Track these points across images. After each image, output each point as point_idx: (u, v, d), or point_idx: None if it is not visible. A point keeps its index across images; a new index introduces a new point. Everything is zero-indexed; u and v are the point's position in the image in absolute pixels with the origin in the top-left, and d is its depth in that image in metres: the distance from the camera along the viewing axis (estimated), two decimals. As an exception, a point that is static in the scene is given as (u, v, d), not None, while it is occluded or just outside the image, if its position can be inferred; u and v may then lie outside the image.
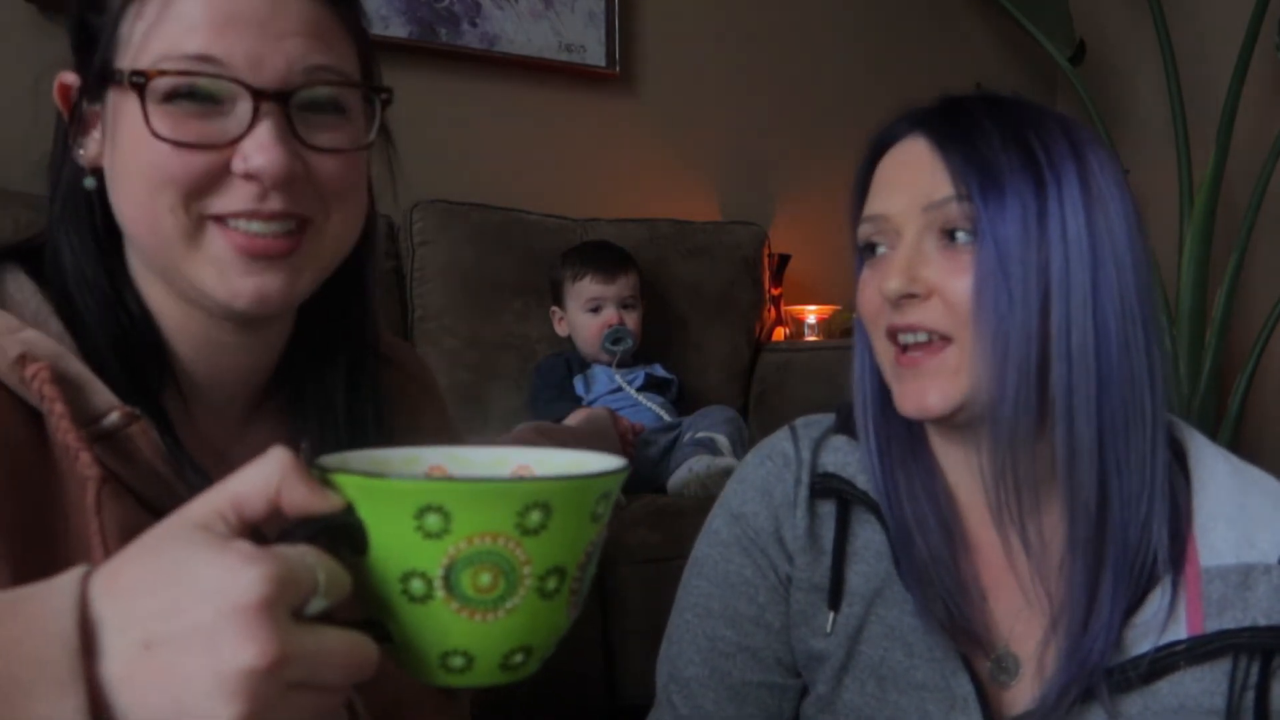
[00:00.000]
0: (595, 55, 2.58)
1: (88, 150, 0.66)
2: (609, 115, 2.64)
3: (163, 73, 0.60)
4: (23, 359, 0.57)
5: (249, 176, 0.61)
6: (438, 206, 2.19)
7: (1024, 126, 0.76)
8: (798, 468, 0.85)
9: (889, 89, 2.77)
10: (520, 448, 0.52)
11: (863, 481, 0.83)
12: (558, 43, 2.53)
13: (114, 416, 0.59)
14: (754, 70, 2.83)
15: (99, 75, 0.63)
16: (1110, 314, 0.73)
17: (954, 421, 0.77)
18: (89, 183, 0.66)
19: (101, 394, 0.59)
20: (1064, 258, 0.73)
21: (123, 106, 0.62)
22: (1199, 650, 0.74)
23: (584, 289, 2.09)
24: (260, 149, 0.60)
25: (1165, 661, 0.74)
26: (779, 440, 0.88)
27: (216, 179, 0.61)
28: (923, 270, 0.75)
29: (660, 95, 2.70)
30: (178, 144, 0.60)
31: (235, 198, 0.62)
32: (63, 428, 0.56)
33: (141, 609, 0.38)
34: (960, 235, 0.75)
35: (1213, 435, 2.48)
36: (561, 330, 2.16)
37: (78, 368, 0.59)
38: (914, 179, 0.78)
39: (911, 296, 0.75)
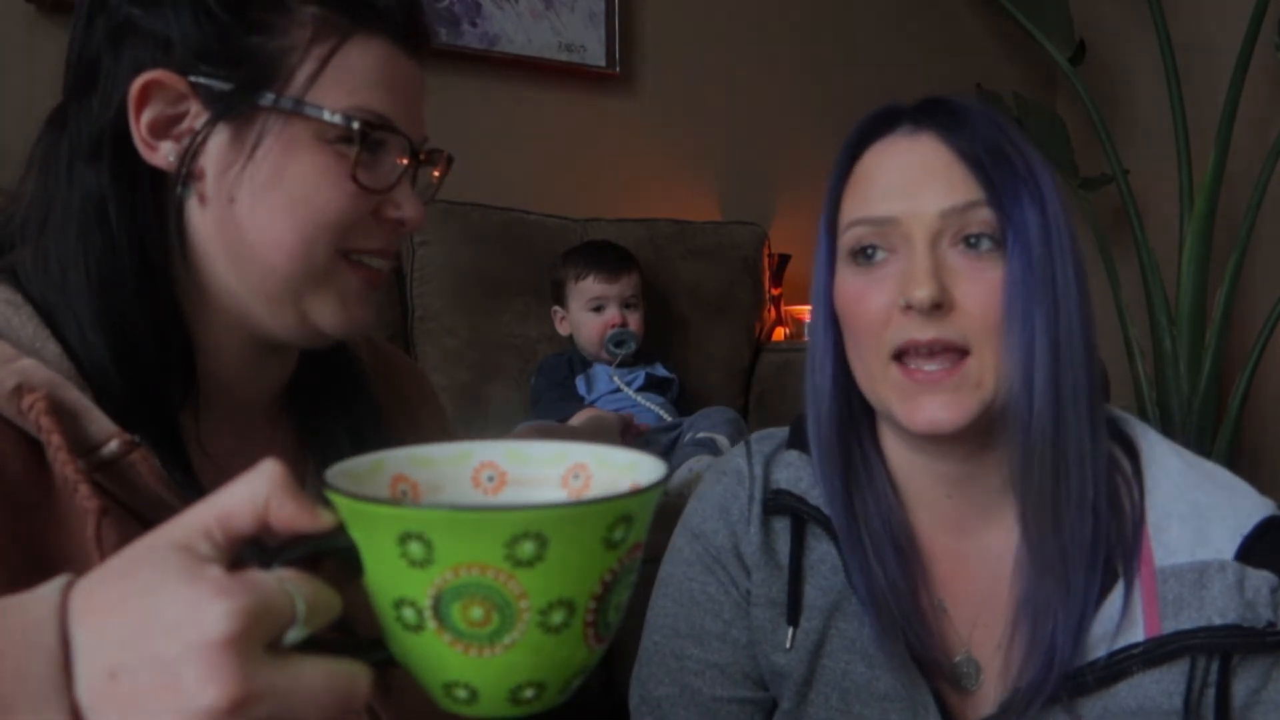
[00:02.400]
0: (595, 55, 2.58)
1: (160, 154, 0.63)
2: (609, 115, 2.64)
3: (376, 125, 0.64)
4: (19, 389, 0.56)
5: (400, 223, 0.68)
6: (437, 206, 2.18)
7: (1006, 132, 0.75)
8: (751, 484, 0.84)
9: (889, 89, 2.75)
10: (579, 444, 0.48)
11: (815, 497, 0.82)
12: (558, 43, 2.53)
13: (113, 445, 0.57)
14: (754, 70, 2.83)
15: (245, 94, 0.62)
16: (1090, 321, 0.74)
17: (955, 433, 0.75)
18: (183, 192, 0.64)
19: (99, 422, 0.58)
20: (1064, 266, 0.73)
21: (289, 134, 0.63)
22: (1154, 653, 0.73)
23: (586, 288, 2.09)
24: (411, 201, 0.68)
25: (1121, 666, 0.73)
26: (734, 456, 0.87)
27: (365, 220, 0.67)
28: (945, 278, 0.72)
29: (660, 95, 2.70)
30: (368, 190, 0.65)
31: (376, 237, 0.68)
32: (60, 459, 0.55)
33: (111, 635, 0.37)
34: (983, 242, 0.73)
35: (1212, 435, 2.50)
36: (564, 330, 2.16)
37: (75, 395, 0.58)
38: (926, 180, 0.74)
39: (937, 307, 0.72)
